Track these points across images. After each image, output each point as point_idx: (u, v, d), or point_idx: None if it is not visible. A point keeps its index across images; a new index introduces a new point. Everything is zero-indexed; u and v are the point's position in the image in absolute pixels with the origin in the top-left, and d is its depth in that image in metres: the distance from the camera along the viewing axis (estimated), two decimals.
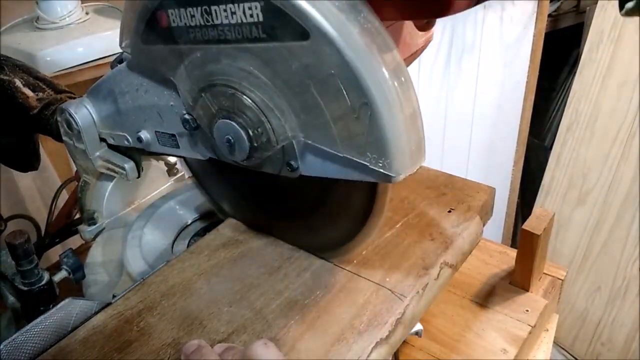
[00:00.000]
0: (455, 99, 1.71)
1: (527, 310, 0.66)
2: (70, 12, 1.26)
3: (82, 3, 1.30)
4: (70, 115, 0.65)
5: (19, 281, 0.60)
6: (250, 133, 0.49)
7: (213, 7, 0.45)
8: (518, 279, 0.69)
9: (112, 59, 0.64)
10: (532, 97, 1.78)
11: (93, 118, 0.65)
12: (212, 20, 0.45)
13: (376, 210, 0.52)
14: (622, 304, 1.61)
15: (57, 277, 0.63)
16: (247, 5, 0.42)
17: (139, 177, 0.69)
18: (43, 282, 0.60)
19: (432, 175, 0.69)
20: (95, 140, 0.67)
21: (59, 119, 0.67)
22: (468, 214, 0.61)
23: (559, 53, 2.01)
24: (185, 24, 0.48)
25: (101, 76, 0.63)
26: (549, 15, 1.87)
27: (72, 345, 0.49)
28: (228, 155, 0.52)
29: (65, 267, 0.65)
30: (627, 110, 1.57)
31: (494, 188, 0.66)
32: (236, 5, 0.43)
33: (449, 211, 0.62)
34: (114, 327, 0.51)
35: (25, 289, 0.60)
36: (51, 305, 0.60)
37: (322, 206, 0.55)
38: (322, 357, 0.46)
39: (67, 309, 0.54)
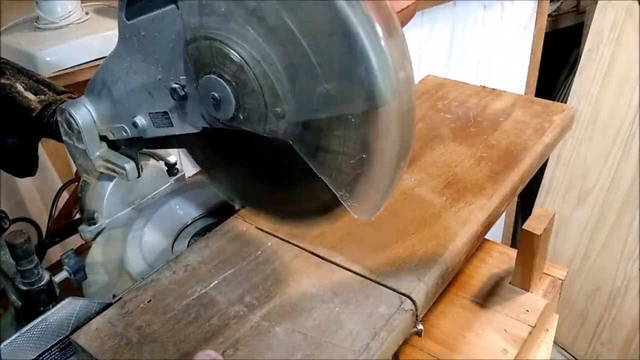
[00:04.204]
0: None
1: (527, 310, 0.66)
2: (70, 12, 1.26)
3: (82, 3, 1.30)
4: (70, 114, 0.65)
5: (19, 281, 0.60)
6: (238, 92, 0.48)
7: None
8: (518, 279, 0.69)
9: None
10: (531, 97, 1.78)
11: (92, 116, 0.65)
12: None
13: None
14: (622, 304, 1.61)
15: (58, 278, 0.63)
16: None
17: (139, 177, 0.69)
18: (43, 283, 0.60)
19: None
20: (96, 140, 0.67)
21: (59, 119, 0.67)
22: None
23: (559, 53, 2.01)
24: None
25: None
26: (549, 15, 1.87)
27: None
28: (213, 113, 0.51)
29: (66, 267, 0.65)
30: (627, 110, 1.57)
31: None
32: None
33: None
34: None
35: (25, 288, 0.60)
36: (51, 306, 0.60)
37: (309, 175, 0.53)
38: None
39: (68, 309, 0.54)
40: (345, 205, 0.48)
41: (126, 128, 0.64)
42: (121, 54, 0.58)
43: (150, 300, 0.53)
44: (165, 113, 0.59)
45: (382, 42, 0.41)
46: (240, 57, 0.46)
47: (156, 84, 0.57)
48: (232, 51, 0.46)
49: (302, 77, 0.44)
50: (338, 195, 0.48)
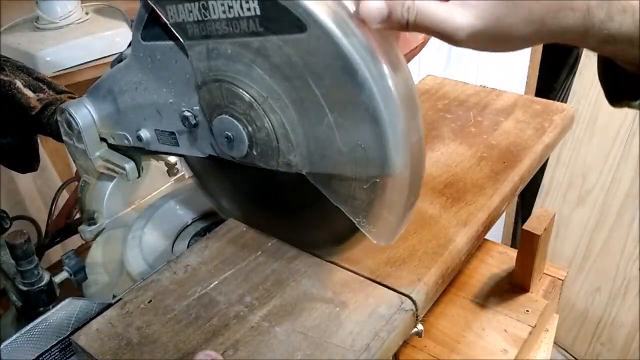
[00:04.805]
0: None
1: (528, 311, 0.66)
2: (70, 12, 1.26)
3: (82, 3, 1.30)
4: (70, 115, 0.65)
5: (19, 281, 0.60)
6: (250, 129, 0.49)
7: (210, 2, 0.45)
8: (518, 279, 0.69)
9: (112, 58, 0.64)
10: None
11: (93, 118, 0.65)
12: (210, 15, 0.46)
13: None
14: (622, 304, 1.61)
15: (58, 278, 0.63)
16: None
17: (139, 177, 0.69)
18: (43, 283, 0.60)
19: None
20: (96, 140, 0.67)
21: (59, 119, 0.67)
22: None
23: (559, 53, 2.01)
24: (184, 19, 0.48)
25: (101, 76, 0.63)
26: None
27: None
28: (227, 152, 0.52)
29: (66, 268, 0.65)
30: (627, 110, 1.56)
31: None
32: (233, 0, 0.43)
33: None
34: None
35: (25, 289, 0.60)
36: (51, 306, 0.60)
37: (319, 202, 0.55)
38: None
39: (68, 310, 0.54)
40: (363, 231, 0.49)
41: (128, 137, 0.63)
42: (132, 68, 0.58)
43: (150, 301, 0.53)
44: (173, 133, 0.58)
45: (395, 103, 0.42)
46: (249, 95, 0.47)
47: (167, 106, 0.56)
48: (241, 90, 0.47)
49: (309, 110, 0.45)
50: (355, 222, 0.49)
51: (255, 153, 0.51)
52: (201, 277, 0.56)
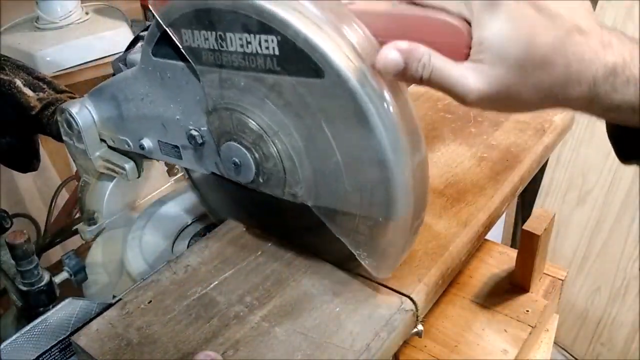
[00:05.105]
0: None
1: (528, 311, 0.66)
2: (70, 12, 1.26)
3: (82, 3, 1.30)
4: (71, 115, 0.65)
5: (19, 281, 0.60)
6: (257, 157, 0.50)
7: (228, 34, 0.45)
8: (518, 279, 0.69)
9: (112, 58, 0.64)
10: None
11: (93, 118, 0.65)
12: (227, 47, 0.46)
13: None
14: (622, 304, 1.61)
15: (58, 279, 0.63)
16: (263, 37, 0.43)
17: (139, 177, 0.69)
18: (43, 283, 0.60)
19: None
20: (96, 140, 0.67)
21: (59, 118, 0.67)
22: None
23: None
24: (198, 45, 0.47)
25: (101, 76, 0.63)
26: None
27: None
28: (234, 177, 0.53)
29: (66, 268, 0.65)
30: None
31: None
32: (252, 36, 0.43)
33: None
34: None
35: (25, 289, 0.60)
36: (51, 306, 0.60)
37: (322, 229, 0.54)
38: None
39: (68, 310, 0.54)
40: (363, 263, 0.50)
41: (130, 143, 0.63)
42: (140, 80, 0.57)
43: (150, 301, 0.53)
44: (176, 147, 0.58)
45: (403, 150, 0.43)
46: (260, 126, 0.47)
47: (173, 121, 0.56)
48: (252, 121, 0.48)
49: (318, 148, 0.46)
50: (356, 254, 0.49)
51: (261, 180, 0.51)
52: (201, 277, 0.56)
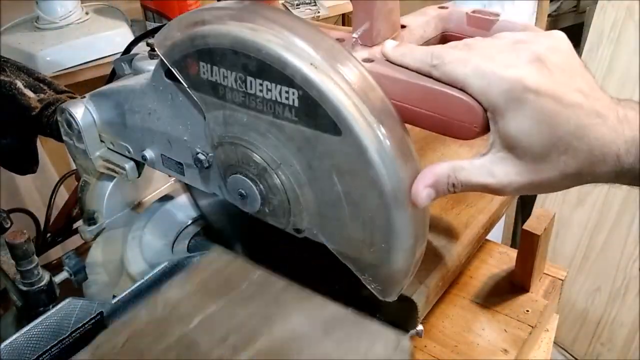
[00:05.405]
0: None
1: (528, 311, 0.66)
2: (70, 12, 1.26)
3: (82, 3, 1.30)
4: (71, 115, 0.65)
5: (19, 281, 0.60)
6: (264, 192, 0.50)
7: (249, 78, 0.45)
8: (518, 279, 0.69)
9: (112, 58, 0.64)
10: None
11: (94, 119, 0.65)
12: (245, 89, 0.46)
13: None
14: (622, 304, 1.61)
15: (58, 279, 0.63)
16: (284, 88, 0.43)
17: (139, 177, 0.69)
18: (43, 283, 0.60)
19: None
20: (96, 140, 0.67)
21: (59, 118, 0.67)
22: None
23: None
24: (216, 80, 0.47)
25: (101, 76, 0.63)
26: (549, 15, 1.87)
27: None
28: (240, 207, 0.53)
29: (66, 268, 0.65)
30: None
31: None
32: (273, 84, 0.43)
33: None
34: None
35: (25, 289, 0.60)
36: (51, 306, 0.60)
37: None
38: None
39: (67, 310, 0.54)
40: (369, 288, 0.50)
41: (131, 150, 0.63)
42: (149, 96, 0.56)
43: (124, 345, 0.49)
44: (180, 164, 0.58)
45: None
46: (263, 159, 0.48)
47: (180, 140, 0.56)
48: (256, 155, 0.48)
49: (319, 179, 0.46)
50: (362, 279, 0.49)
51: (267, 210, 0.51)
52: (182, 313, 0.52)
